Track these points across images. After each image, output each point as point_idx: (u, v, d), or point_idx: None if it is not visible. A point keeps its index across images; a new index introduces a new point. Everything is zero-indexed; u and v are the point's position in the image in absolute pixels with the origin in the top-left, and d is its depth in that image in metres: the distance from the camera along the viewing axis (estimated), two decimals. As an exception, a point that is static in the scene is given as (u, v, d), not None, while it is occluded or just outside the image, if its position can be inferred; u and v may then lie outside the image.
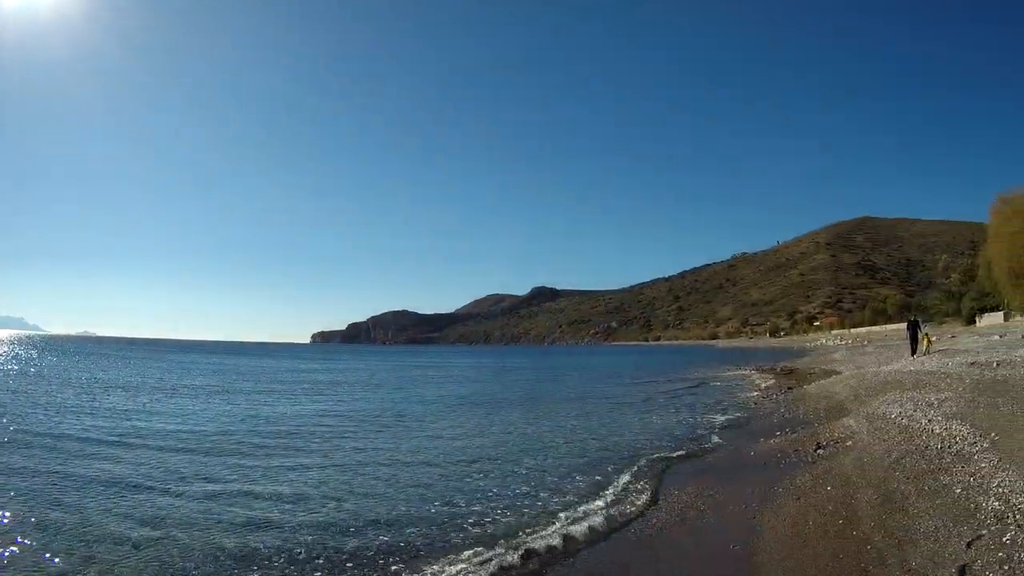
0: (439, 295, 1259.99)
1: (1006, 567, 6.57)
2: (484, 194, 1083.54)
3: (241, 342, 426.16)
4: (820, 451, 15.38)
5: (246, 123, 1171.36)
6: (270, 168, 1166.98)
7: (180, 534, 10.25)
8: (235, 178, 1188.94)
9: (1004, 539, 7.14)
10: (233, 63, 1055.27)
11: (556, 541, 10.01)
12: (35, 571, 8.67)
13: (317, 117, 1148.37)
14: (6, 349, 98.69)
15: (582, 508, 11.92)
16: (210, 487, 13.51)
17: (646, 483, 13.94)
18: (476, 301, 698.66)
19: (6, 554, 9.20)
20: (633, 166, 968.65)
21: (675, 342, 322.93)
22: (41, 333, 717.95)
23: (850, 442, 15.19)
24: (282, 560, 9.32)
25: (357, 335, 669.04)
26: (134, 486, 13.34)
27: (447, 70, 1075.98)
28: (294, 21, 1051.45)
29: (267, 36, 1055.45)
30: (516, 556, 9.34)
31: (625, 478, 14.50)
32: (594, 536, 10.50)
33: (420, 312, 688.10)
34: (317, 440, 19.79)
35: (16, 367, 53.17)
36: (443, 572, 8.91)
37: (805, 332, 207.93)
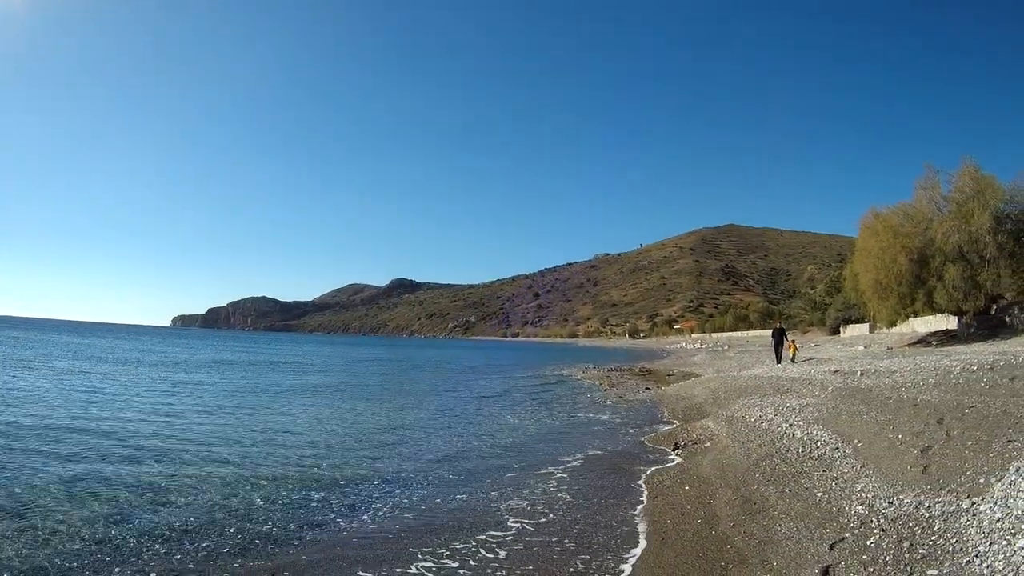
0: (299, 283, 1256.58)
1: (871, 569, 6.75)
2: (345, 184, 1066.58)
3: (99, 323, 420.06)
4: (678, 451, 15.75)
5: (101, 100, 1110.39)
6: (130, 146, 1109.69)
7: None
8: (91, 154, 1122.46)
9: (868, 542, 7.34)
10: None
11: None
12: None
13: (176, 98, 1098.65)
14: None
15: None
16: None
17: (492, 480, 13.85)
18: (336, 290, 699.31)
19: None
20: (496, 162, 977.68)
21: (534, 339, 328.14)
22: None
23: (708, 443, 15.65)
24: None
25: (217, 320, 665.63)
26: None
27: (310, 58, 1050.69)
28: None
29: None
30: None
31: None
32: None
33: (280, 299, 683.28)
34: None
35: None
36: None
37: (665, 335, 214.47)
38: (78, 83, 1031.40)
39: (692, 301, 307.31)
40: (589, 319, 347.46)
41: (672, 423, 20.92)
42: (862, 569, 6.85)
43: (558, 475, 14.33)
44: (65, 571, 8.42)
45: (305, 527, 10.24)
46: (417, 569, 8.56)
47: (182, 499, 11.60)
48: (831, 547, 7.57)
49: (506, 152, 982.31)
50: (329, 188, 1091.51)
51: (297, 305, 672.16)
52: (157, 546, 9.22)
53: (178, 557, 8.86)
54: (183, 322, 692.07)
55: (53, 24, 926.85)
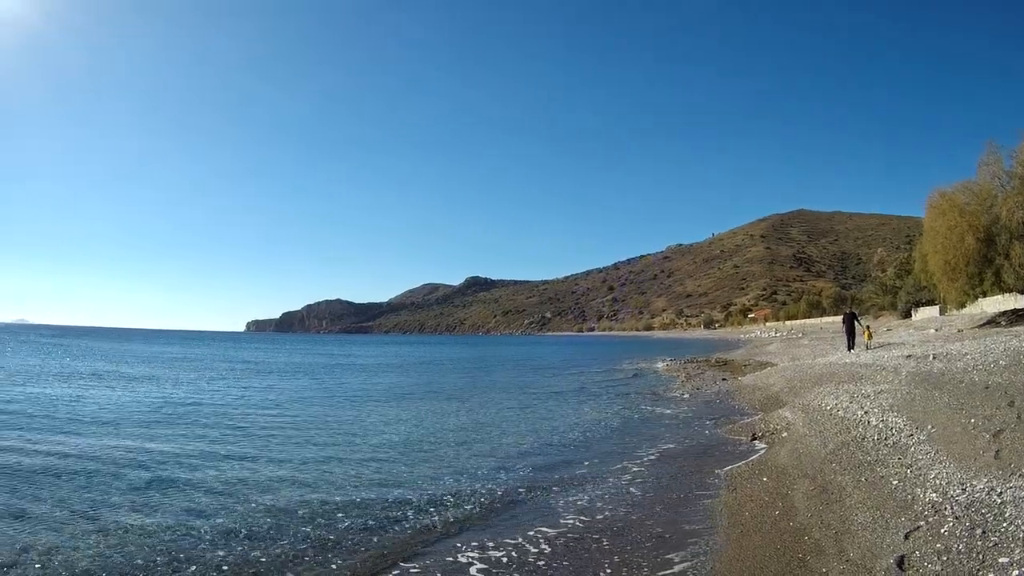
0: (373, 284, 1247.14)
1: (944, 558, 6.66)
2: (418, 184, 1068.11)
3: (176, 330, 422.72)
4: (756, 442, 15.70)
5: (177, 112, 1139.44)
6: (203, 156, 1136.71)
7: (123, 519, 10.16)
8: (167, 165, 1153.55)
9: (942, 530, 7.23)
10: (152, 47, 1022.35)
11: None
12: None
13: (249, 103, 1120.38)
14: None
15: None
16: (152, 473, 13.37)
17: (562, 476, 13.89)
18: (410, 291, 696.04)
19: None
20: (569, 156, 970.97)
21: (610, 333, 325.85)
22: None
23: (786, 433, 15.53)
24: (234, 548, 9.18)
25: (291, 324, 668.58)
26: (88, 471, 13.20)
27: (381, 59, 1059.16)
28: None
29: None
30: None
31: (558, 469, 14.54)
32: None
33: (354, 301, 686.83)
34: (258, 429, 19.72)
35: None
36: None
37: (739, 324, 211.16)
38: (157, 89, 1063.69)
39: (765, 289, 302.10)
40: (664, 311, 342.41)
41: (749, 414, 20.71)
42: (936, 558, 6.74)
43: (633, 469, 14.27)
44: (145, 570, 8.55)
45: (374, 524, 10.34)
46: (463, 559, 8.80)
47: (260, 498, 11.84)
48: (906, 536, 7.46)
49: (579, 146, 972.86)
50: (403, 188, 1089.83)
51: (372, 307, 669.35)
52: (235, 545, 9.34)
53: (255, 554, 9.00)
54: (257, 327, 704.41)
55: (154, 32, 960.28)
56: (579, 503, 11.52)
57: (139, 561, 8.71)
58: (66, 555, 8.75)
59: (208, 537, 9.67)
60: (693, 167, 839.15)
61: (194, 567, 8.57)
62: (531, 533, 9.86)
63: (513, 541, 9.52)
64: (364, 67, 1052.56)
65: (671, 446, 16.88)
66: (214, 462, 14.89)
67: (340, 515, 10.87)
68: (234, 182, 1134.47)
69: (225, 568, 8.50)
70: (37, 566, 8.37)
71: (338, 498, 11.86)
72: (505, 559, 8.86)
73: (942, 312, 56.06)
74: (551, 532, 9.87)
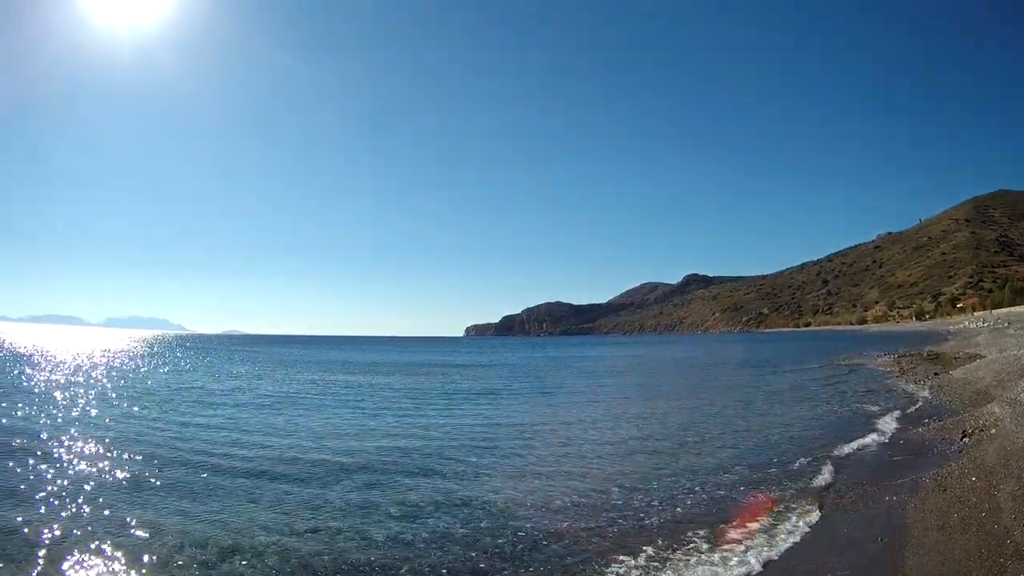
0: (593, 285, 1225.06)
1: None
2: (635, 183, 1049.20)
3: (397, 337, 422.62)
4: (966, 439, 15.04)
5: (379, 124, 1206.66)
6: (418, 166, 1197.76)
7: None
8: (381, 177, 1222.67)
9: None
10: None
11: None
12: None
13: (457, 117, 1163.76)
14: (158, 348, 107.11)
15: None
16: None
17: (802, 474, 14.02)
18: (629, 291, 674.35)
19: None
20: (779, 148, 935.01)
21: (824, 327, 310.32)
22: (184, 332, 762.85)
23: (994, 430, 14.82)
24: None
25: (511, 327, 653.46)
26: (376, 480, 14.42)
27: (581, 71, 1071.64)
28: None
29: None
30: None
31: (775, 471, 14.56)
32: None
33: (574, 303, 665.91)
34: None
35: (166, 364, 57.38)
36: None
37: (948, 315, 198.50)
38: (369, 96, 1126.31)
39: (972, 276, 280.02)
40: (877, 303, 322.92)
41: (959, 411, 19.79)
42: None
43: (835, 465, 14.57)
44: (374, 564, 9.26)
45: (574, 523, 10.93)
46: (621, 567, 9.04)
47: (472, 494, 12.71)
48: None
49: (787, 137, 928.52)
50: (620, 186, 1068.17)
51: (591, 308, 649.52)
52: (452, 546, 9.98)
53: (473, 554, 9.61)
54: (477, 331, 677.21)
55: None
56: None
57: (371, 557, 9.57)
58: (286, 552, 9.66)
59: (428, 536, 10.43)
60: (898, 152, 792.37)
61: (410, 566, 9.22)
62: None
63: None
64: (586, 75, 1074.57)
65: (884, 442, 16.87)
66: (431, 466, 15.76)
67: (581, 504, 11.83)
68: (452, 190, 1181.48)
69: (444, 572, 9.13)
70: (243, 562, 9.31)
71: (574, 497, 12.50)
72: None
73: None
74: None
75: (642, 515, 11.47)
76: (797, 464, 15.15)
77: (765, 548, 9.70)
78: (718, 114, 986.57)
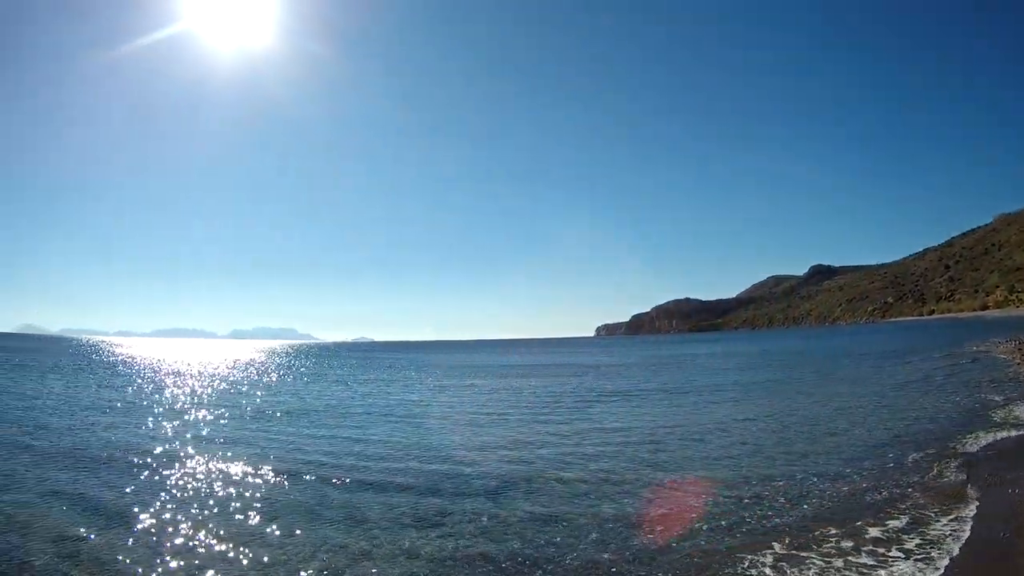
0: (721, 280, 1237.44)
1: None
2: (759, 176, 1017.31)
3: (523, 339, 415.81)
4: None
5: (505, 133, 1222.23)
6: (551, 166, 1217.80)
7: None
8: (506, 182, 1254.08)
9: None
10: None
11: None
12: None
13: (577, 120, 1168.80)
14: (286, 358, 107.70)
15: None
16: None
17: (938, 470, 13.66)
18: (756, 285, 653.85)
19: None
20: (899, 133, 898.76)
21: (947, 315, 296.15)
22: (313, 341, 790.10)
23: None
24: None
25: (641, 326, 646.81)
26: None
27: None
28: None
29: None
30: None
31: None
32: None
33: (702, 299, 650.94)
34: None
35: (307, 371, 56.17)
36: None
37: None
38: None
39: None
40: (997, 287, 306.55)
41: None
42: None
43: (971, 459, 14.27)
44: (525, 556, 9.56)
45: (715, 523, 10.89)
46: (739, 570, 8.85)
47: (624, 488, 13.10)
48: None
49: (909, 123, 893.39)
50: (744, 181, 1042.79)
51: (718, 304, 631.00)
52: (580, 545, 10.05)
53: (606, 556, 9.73)
54: (607, 331, 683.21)
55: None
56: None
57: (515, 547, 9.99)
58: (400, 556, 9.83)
59: (572, 529, 10.75)
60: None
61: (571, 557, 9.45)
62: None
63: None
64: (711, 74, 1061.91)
65: (1002, 436, 16.60)
66: (586, 462, 16.14)
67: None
68: (578, 193, 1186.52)
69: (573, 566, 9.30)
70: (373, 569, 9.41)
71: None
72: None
73: None
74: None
75: (773, 512, 11.46)
76: (931, 458, 14.71)
77: (919, 552, 9.27)
78: (838, 105, 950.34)
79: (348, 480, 14.65)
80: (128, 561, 9.60)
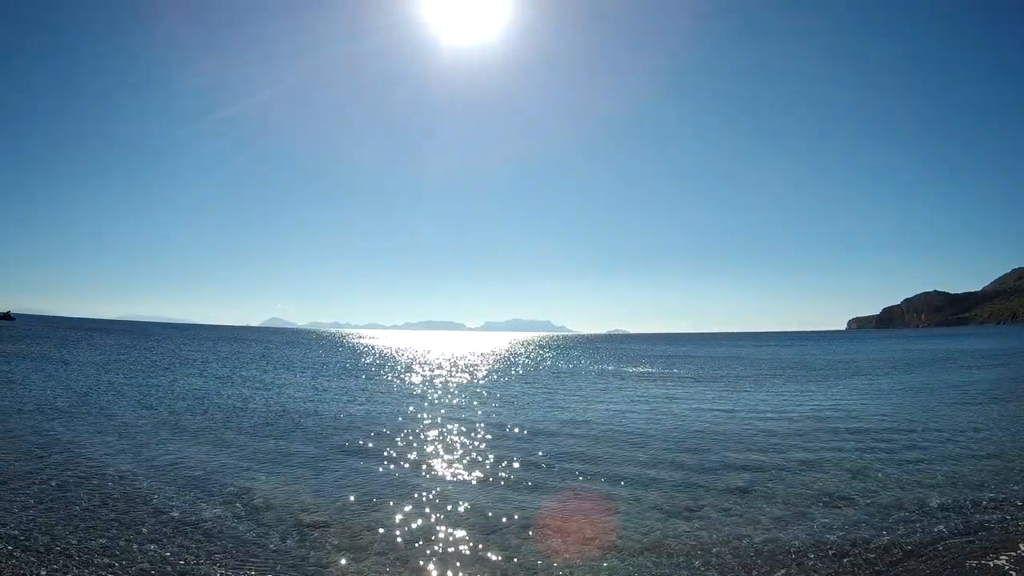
0: (968, 270, 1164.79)
1: None
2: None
3: (770, 332, 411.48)
4: None
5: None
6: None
7: None
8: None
9: None
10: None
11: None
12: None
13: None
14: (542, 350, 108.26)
15: None
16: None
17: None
18: (1002, 276, 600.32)
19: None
20: None
21: None
22: (569, 333, 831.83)
23: None
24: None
25: (891, 319, 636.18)
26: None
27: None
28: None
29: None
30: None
31: None
32: None
33: (950, 292, 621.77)
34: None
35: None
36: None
37: None
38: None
39: None
40: None
41: None
42: None
43: None
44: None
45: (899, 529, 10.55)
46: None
47: (845, 493, 12.50)
48: None
49: None
50: (993, 165, 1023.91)
51: (965, 297, 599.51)
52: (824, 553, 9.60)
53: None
54: (858, 324, 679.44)
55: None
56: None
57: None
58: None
59: (807, 533, 10.38)
60: None
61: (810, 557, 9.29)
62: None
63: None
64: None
65: None
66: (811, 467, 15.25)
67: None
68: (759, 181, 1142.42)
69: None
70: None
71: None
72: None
73: None
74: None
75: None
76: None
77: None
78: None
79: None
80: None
